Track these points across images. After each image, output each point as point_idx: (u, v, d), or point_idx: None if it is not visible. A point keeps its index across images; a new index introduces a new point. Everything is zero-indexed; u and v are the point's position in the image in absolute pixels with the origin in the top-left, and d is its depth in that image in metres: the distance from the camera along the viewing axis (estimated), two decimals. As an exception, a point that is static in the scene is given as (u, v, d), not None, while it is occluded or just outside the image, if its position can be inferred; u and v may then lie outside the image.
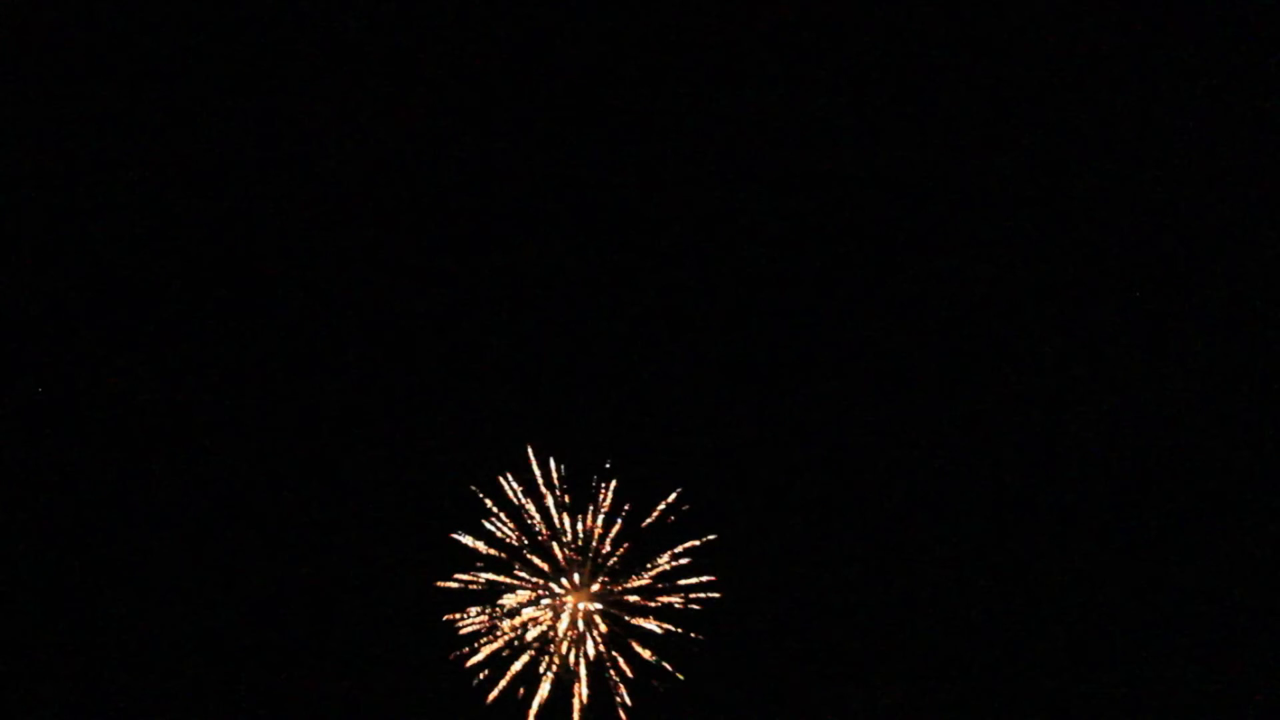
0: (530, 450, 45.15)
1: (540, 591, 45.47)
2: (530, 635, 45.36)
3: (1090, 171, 41.56)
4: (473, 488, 45.04)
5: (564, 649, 45.33)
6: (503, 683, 44.74)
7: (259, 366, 43.98)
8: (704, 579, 45.44)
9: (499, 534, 45.25)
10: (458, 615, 44.76)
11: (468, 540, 44.97)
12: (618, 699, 45.09)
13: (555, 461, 45.18)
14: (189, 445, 42.86)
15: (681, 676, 45.15)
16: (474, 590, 45.15)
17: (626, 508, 45.52)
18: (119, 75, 40.36)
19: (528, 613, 45.35)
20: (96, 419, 42.01)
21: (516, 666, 45.08)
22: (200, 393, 43.32)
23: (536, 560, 45.59)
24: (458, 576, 44.84)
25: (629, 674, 45.02)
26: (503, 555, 45.44)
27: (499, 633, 45.11)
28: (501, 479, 45.14)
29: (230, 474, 43.67)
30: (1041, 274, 42.46)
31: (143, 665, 41.90)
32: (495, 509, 45.14)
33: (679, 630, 45.15)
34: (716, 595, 45.53)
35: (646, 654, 45.22)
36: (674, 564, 45.71)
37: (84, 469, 41.61)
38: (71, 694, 40.67)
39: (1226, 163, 39.89)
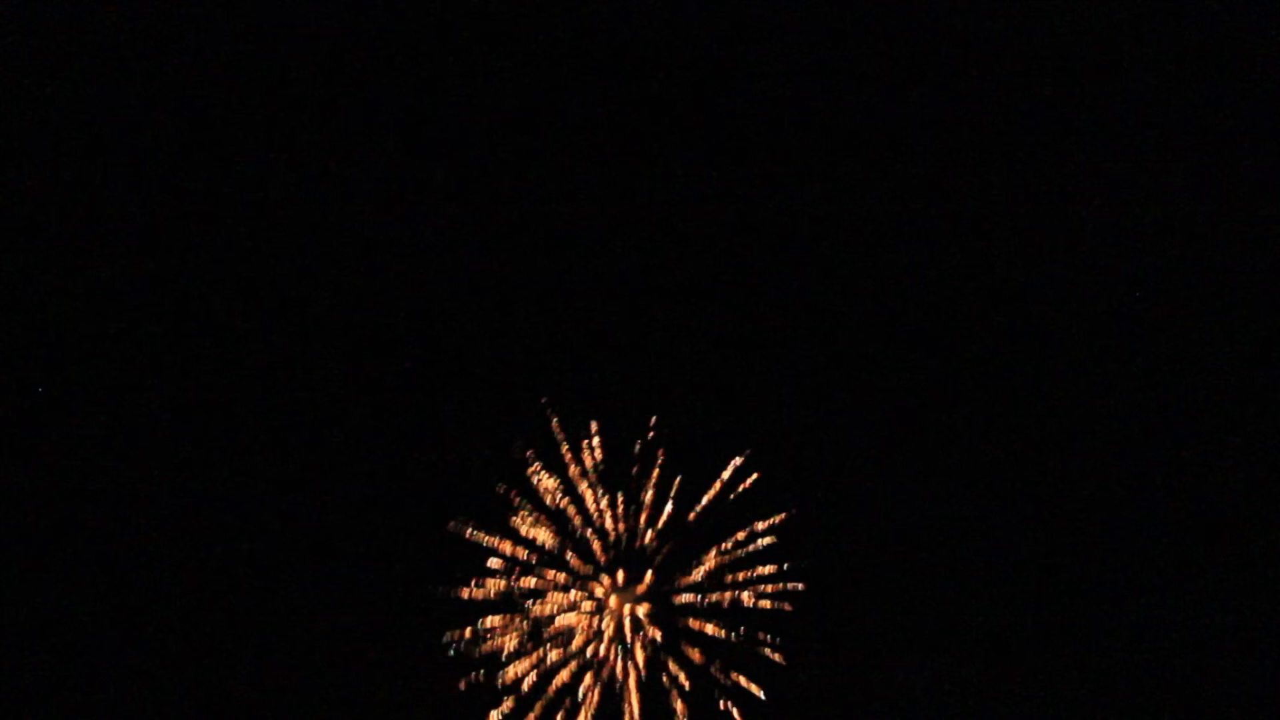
0: (550, 412, 36.86)
1: (574, 594, 37.17)
2: (565, 649, 37.11)
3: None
4: (482, 464, 36.92)
5: (608, 662, 36.96)
6: (536, 709, 36.68)
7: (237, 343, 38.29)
8: (781, 567, 36.97)
9: (516, 523, 37.02)
10: (470, 631, 36.74)
11: (473, 533, 36.80)
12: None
13: (583, 424, 36.80)
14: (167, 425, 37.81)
15: (757, 691, 36.54)
16: (487, 598, 37.08)
17: (678, 481, 36.86)
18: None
19: (559, 621, 37.14)
20: (94, 417, 37.63)
21: (551, 687, 36.93)
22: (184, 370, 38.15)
23: (566, 554, 37.30)
24: (481, 581, 36.82)
25: (690, 688, 36.77)
26: (521, 552, 37.14)
27: (524, 649, 37.03)
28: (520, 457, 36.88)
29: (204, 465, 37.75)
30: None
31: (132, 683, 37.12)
32: (508, 491, 36.88)
33: (751, 634, 36.87)
34: (798, 586, 36.89)
35: (697, 656, 36.88)
36: (742, 550, 37.03)
37: (78, 469, 37.44)
38: (72, 695, 36.85)
39: (1226, 163, 37.27)
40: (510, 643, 36.70)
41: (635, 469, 36.63)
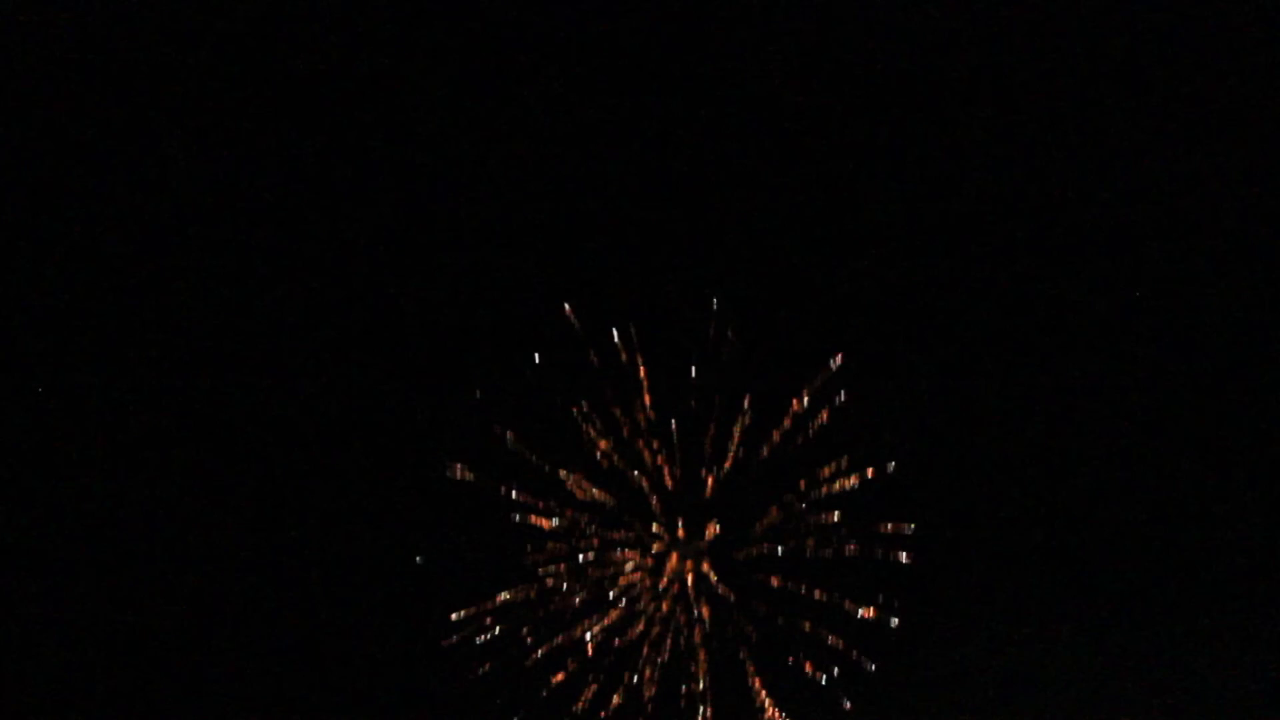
0: (571, 313, 32.63)
1: (633, 552, 33.74)
2: (628, 608, 33.86)
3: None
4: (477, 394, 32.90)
5: (672, 619, 33.56)
6: (601, 670, 33.70)
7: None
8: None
9: (572, 483, 33.59)
10: (532, 594, 33.86)
11: (528, 496, 33.58)
12: (759, 699, 33.14)
13: (620, 330, 32.55)
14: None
15: (835, 640, 32.62)
16: (548, 560, 34.10)
17: (748, 400, 32.53)
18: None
19: (621, 580, 33.87)
20: (95, 417, 36.52)
21: (615, 646, 33.86)
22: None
23: (624, 511, 33.81)
24: (541, 544, 33.80)
25: (756, 641, 33.30)
26: (582, 518, 33.78)
27: (587, 610, 33.96)
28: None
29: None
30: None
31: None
32: (563, 448, 33.40)
33: (821, 583, 32.87)
34: (908, 530, 32.59)
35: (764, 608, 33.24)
36: (829, 488, 32.65)
37: (80, 468, 36.44)
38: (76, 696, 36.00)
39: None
40: (573, 604, 34.13)
41: (693, 401, 32.82)
